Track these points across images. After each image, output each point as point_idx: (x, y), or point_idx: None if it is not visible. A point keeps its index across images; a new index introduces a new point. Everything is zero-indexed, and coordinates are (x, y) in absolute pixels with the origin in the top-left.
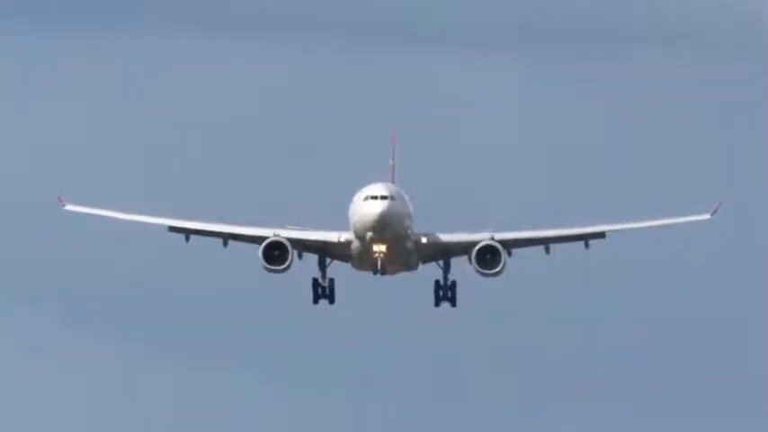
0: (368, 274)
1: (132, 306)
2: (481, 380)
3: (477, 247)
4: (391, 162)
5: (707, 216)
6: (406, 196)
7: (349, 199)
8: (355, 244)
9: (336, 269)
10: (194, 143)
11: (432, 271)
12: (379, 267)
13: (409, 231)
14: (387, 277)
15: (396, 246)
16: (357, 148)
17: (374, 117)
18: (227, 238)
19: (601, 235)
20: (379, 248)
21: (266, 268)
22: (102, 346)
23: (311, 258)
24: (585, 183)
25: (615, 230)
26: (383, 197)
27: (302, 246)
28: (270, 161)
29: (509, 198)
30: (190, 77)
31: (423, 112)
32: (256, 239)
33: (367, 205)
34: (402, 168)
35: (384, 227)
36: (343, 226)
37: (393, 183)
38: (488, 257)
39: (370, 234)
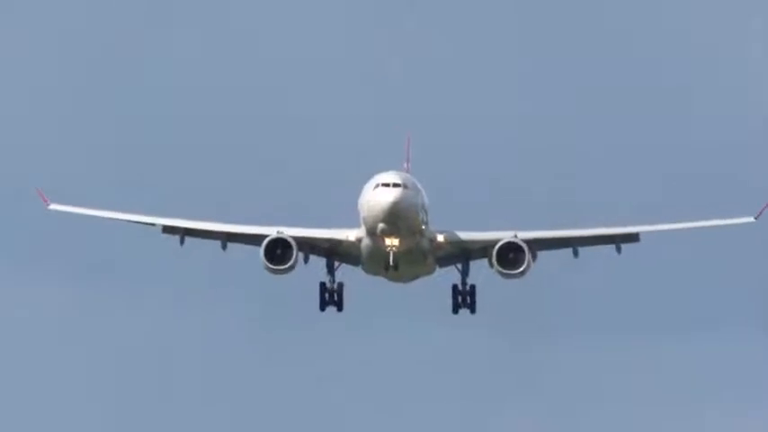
0: (380, 280)
1: (126, 316)
2: (501, 393)
3: (498, 245)
4: (406, 165)
5: (751, 219)
6: (420, 187)
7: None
8: (366, 242)
9: (346, 274)
10: (185, 138)
11: (449, 276)
12: (391, 263)
13: (424, 227)
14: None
15: (410, 242)
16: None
17: (388, 110)
18: (226, 238)
19: (634, 237)
20: (392, 242)
21: (268, 268)
22: (95, 359)
23: (318, 261)
24: (616, 182)
25: (650, 232)
26: (395, 185)
27: (309, 246)
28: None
29: (532, 198)
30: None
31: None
32: (258, 238)
33: (378, 193)
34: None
35: (396, 217)
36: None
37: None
38: (510, 256)
39: (381, 226)
